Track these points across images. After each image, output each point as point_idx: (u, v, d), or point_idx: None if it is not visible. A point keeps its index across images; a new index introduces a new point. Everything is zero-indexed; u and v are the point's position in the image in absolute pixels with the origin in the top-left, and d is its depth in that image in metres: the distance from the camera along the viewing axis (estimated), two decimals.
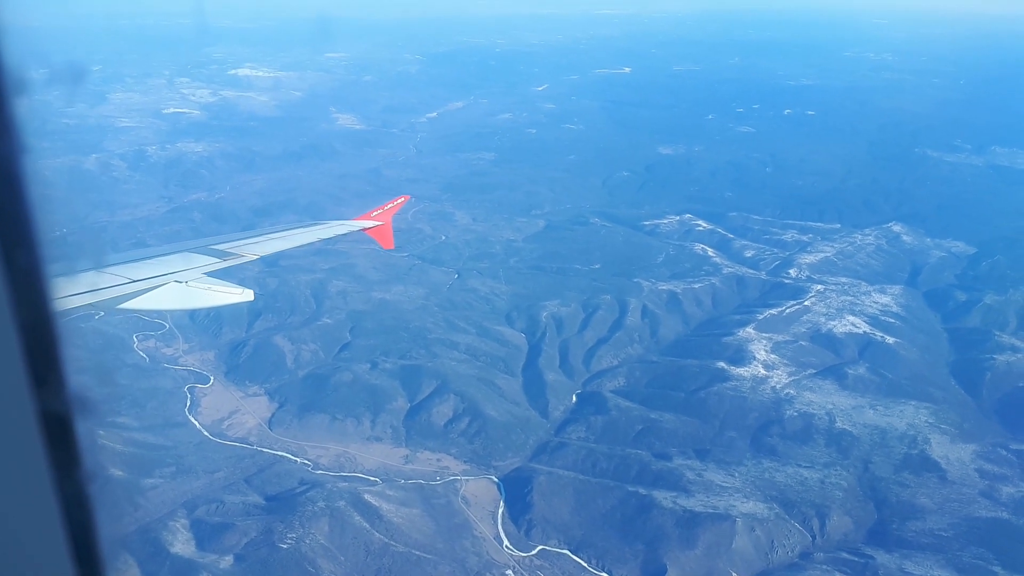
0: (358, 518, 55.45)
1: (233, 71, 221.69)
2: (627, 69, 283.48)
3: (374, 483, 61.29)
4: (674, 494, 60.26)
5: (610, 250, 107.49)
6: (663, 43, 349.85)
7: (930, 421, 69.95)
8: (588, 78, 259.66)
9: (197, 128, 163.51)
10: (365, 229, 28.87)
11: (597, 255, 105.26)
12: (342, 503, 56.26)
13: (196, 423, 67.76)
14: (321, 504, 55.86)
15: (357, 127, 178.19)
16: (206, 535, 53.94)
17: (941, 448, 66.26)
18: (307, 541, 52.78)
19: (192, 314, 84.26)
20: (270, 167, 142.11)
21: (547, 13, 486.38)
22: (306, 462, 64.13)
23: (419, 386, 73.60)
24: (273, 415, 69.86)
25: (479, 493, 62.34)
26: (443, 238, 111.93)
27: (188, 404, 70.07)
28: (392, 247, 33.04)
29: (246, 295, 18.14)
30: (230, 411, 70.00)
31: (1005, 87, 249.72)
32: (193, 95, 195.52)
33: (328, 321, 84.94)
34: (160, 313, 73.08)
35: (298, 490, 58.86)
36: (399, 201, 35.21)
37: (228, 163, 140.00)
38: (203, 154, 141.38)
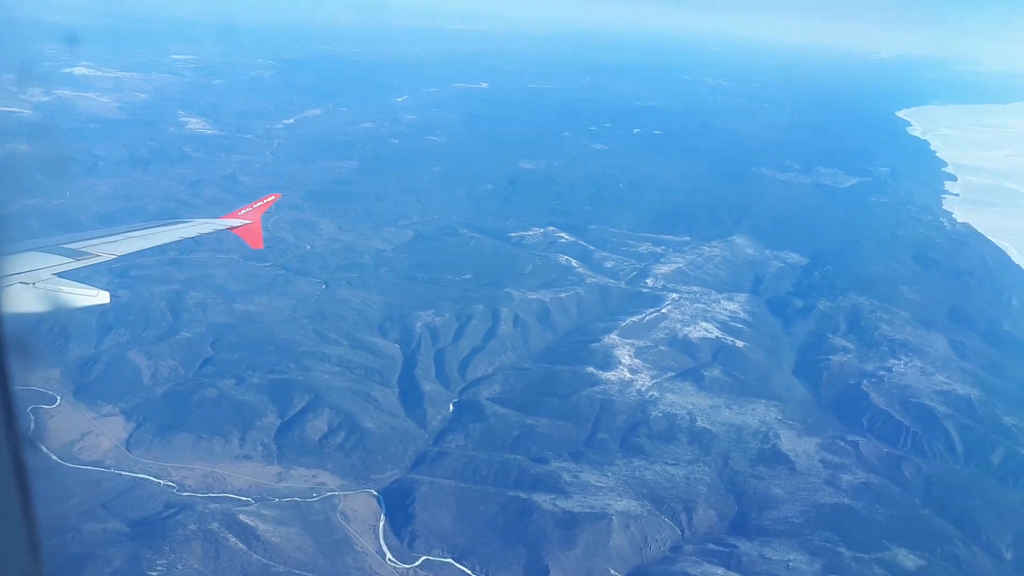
0: (233, 540, 52.94)
1: (68, 69, 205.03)
2: (485, 84, 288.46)
3: (247, 503, 58.73)
4: (553, 496, 61.82)
5: (480, 261, 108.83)
6: (518, 60, 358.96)
7: (779, 418, 75.92)
8: (447, 91, 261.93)
9: (29, 129, 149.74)
10: (232, 228, 27.78)
11: (467, 265, 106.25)
12: (215, 525, 53.51)
13: (42, 448, 62.09)
14: (192, 527, 52.87)
15: (209, 132, 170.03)
16: (63, 568, 49.54)
17: (789, 442, 72.07)
18: (179, 567, 49.81)
19: (33, 327, 77.22)
20: (115, 172, 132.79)
21: (403, 25, 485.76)
22: (170, 484, 60.42)
23: (290, 401, 71.24)
24: (131, 436, 65.27)
25: (358, 507, 61.18)
26: (308, 247, 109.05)
27: (32, 427, 64.01)
28: (261, 247, 31.97)
29: (101, 297, 16.70)
30: (81, 433, 64.75)
31: (825, 113, 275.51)
32: (23, 94, 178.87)
33: (187, 335, 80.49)
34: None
35: (165, 514, 55.37)
36: (268, 199, 34.00)
37: (67, 167, 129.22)
38: (38, 156, 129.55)
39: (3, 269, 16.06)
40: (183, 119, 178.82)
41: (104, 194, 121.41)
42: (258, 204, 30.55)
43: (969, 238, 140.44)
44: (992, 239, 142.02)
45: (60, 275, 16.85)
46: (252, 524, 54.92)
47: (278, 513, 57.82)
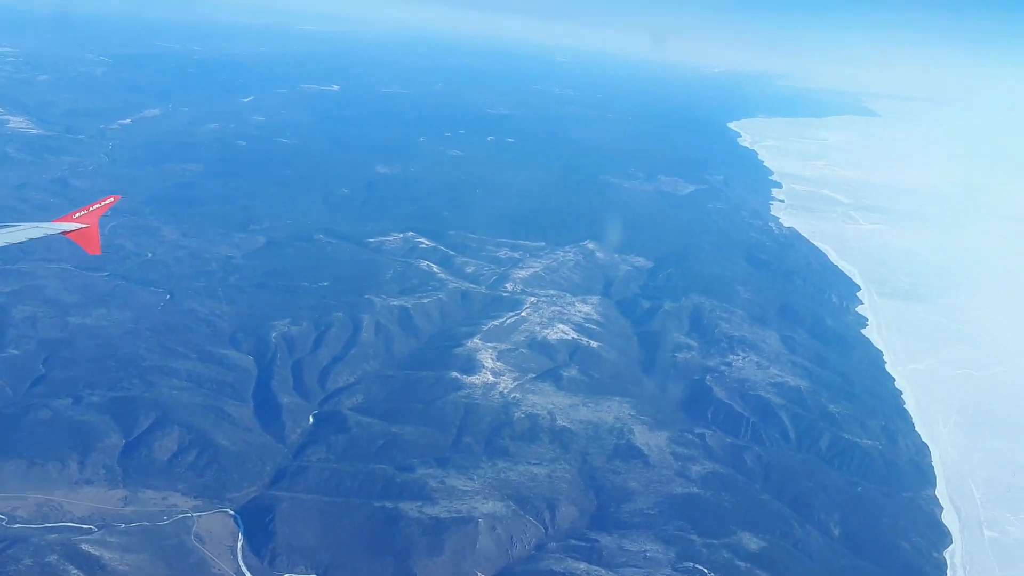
0: (75, 572, 49.10)
1: None
2: (336, 87, 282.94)
3: (89, 531, 54.60)
4: (419, 503, 61.79)
5: (338, 267, 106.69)
6: (368, 64, 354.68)
7: (632, 413, 79.71)
8: (297, 93, 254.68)
9: None
10: (66, 232, 26.05)
11: (325, 272, 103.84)
12: (53, 557, 49.42)
13: None
14: (27, 562, 48.55)
15: (34, 131, 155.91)
16: None
17: (642, 436, 75.84)
18: None
19: None
20: None
21: (248, 23, 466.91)
22: None
23: (135, 420, 66.88)
24: None
25: (214, 528, 58.41)
26: (149, 255, 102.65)
27: None
28: (99, 252, 29.98)
29: None
30: None
31: (664, 123, 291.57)
32: None
33: (15, 352, 73.74)
34: None
35: None
36: (106, 201, 31.98)
37: None
38: None
39: None
40: (2, 117, 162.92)
41: None
42: (95, 207, 28.59)
43: (794, 241, 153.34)
44: (814, 242, 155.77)
45: None
46: (96, 553, 51.16)
47: (125, 539, 54.17)
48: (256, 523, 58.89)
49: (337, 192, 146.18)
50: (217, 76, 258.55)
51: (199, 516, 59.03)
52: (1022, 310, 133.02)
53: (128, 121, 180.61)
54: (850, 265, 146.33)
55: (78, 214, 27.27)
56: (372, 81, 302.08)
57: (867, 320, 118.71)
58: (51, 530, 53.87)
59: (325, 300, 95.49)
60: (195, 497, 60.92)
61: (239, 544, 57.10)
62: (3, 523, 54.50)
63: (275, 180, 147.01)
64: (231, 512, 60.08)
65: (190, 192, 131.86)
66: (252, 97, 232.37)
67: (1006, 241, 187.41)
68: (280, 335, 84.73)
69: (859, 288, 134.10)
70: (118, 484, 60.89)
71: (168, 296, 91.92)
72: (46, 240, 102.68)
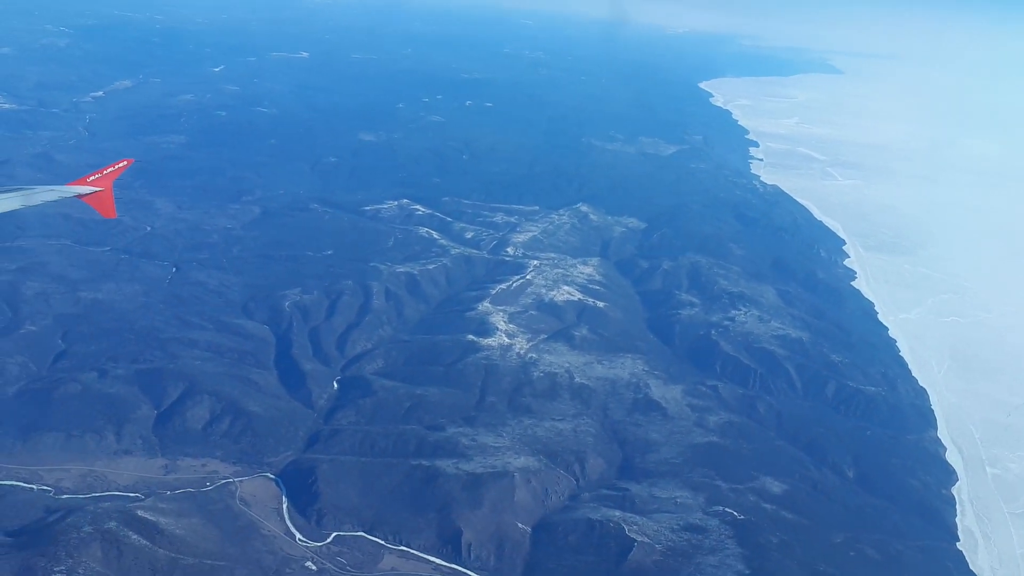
0: (135, 537, 49.89)
1: None
2: (305, 54, 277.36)
3: (139, 498, 55.29)
4: (454, 460, 63.40)
5: (338, 236, 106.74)
6: (334, 29, 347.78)
7: (645, 369, 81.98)
8: (266, 60, 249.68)
9: None
10: (81, 196, 26.20)
11: (327, 241, 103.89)
12: (113, 524, 50.08)
13: None
14: (88, 529, 49.16)
15: (7, 106, 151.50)
16: None
17: (658, 390, 78.18)
18: (80, 571, 46.36)
19: None
20: None
21: None
22: (45, 488, 55.52)
23: (164, 390, 67.27)
24: None
25: (257, 492, 59.48)
26: (148, 228, 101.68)
27: None
28: (115, 216, 30.26)
29: None
30: None
31: (636, 85, 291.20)
32: None
33: (32, 328, 73.29)
34: None
35: (50, 519, 51.00)
36: (120, 164, 32.04)
37: None
38: None
39: None
40: None
41: None
42: (109, 170, 28.67)
43: (779, 198, 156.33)
44: (797, 199, 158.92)
45: None
46: (152, 519, 51.98)
47: (175, 506, 55.03)
48: (298, 485, 60.05)
49: (325, 161, 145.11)
50: (183, 46, 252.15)
51: (240, 481, 60.00)
52: (996, 259, 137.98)
53: (101, 93, 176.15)
54: (833, 220, 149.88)
55: (92, 177, 27.20)
56: (340, 47, 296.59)
57: (855, 273, 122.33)
58: (101, 499, 54.49)
59: (332, 269, 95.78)
60: (234, 463, 61.85)
61: (283, 506, 58.29)
62: (51, 494, 54.98)
63: (260, 150, 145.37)
64: (271, 476, 61.12)
65: (178, 164, 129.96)
66: (222, 67, 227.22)
67: (973, 193, 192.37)
68: (293, 304, 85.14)
69: (844, 242, 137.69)
70: (156, 453, 61.53)
71: (174, 269, 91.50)
72: (43, 217, 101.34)
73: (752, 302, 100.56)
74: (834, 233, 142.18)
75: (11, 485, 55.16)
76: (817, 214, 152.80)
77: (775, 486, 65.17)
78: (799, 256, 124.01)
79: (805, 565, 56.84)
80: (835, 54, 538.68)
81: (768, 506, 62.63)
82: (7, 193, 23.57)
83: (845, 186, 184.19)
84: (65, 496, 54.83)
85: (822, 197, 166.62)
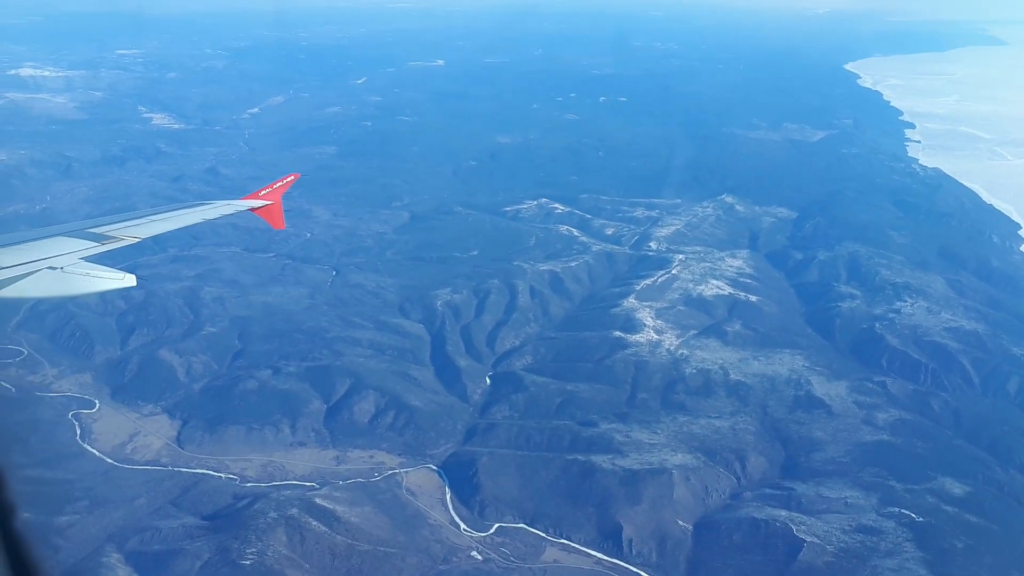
0: (315, 523, 53.10)
1: (13, 71, 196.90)
2: (440, 61, 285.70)
3: (314, 487, 58.76)
4: (610, 456, 63.17)
5: (482, 237, 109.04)
6: (466, 36, 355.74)
7: (806, 365, 78.46)
8: (404, 70, 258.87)
9: None
10: (253, 209, 27.73)
11: (472, 242, 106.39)
12: (295, 511, 53.54)
13: (94, 451, 61.16)
14: (273, 515, 52.80)
15: (176, 126, 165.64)
16: (149, 565, 49.29)
17: (821, 387, 74.61)
18: (269, 554, 49.84)
19: (53, 336, 75.73)
20: (91, 173, 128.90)
21: (343, 6, 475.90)
22: (232, 476, 60.12)
23: (332, 386, 71.09)
24: (180, 433, 64.62)
25: (422, 483, 61.77)
26: (308, 235, 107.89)
27: (78, 432, 62.95)
28: (283, 227, 31.90)
29: (128, 280, 16.57)
30: (129, 434, 63.84)
31: (777, 70, 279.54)
32: None
33: (212, 330, 79.46)
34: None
35: (239, 505, 55.21)
36: (288, 179, 33.85)
37: (41, 171, 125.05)
38: (8, 162, 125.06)
39: (32, 254, 15.92)
40: (146, 115, 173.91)
41: (86, 196, 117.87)
42: (278, 184, 30.33)
43: (942, 182, 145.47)
44: (962, 181, 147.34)
45: (86, 259, 16.89)
46: (329, 507, 55.11)
47: (348, 495, 58.03)
48: (459, 477, 61.83)
49: (465, 164, 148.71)
50: (327, 60, 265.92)
51: (406, 472, 62.49)
52: None
53: (256, 110, 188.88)
54: (1005, 203, 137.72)
55: (263, 192, 29.22)
56: (473, 53, 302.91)
57: None
58: (283, 487, 58.33)
59: (478, 268, 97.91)
60: (399, 455, 64.49)
61: (447, 497, 60.17)
62: (237, 482, 59.43)
63: (405, 157, 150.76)
64: (434, 468, 63.26)
65: (331, 174, 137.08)
66: (364, 79, 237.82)
67: None
68: (444, 303, 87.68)
69: (1020, 226, 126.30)
70: (328, 445, 65.17)
71: (334, 272, 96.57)
72: (215, 226, 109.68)
73: (919, 293, 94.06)
74: (1007, 217, 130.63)
75: (203, 473, 60.08)
76: (986, 197, 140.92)
77: (956, 487, 60.54)
78: (969, 243, 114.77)
79: (997, 573, 52.58)
80: (996, 24, 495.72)
81: (949, 508, 58.29)
82: (190, 208, 26.17)
83: (1017, 166, 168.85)
84: (250, 484, 59.12)
85: (991, 179, 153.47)
